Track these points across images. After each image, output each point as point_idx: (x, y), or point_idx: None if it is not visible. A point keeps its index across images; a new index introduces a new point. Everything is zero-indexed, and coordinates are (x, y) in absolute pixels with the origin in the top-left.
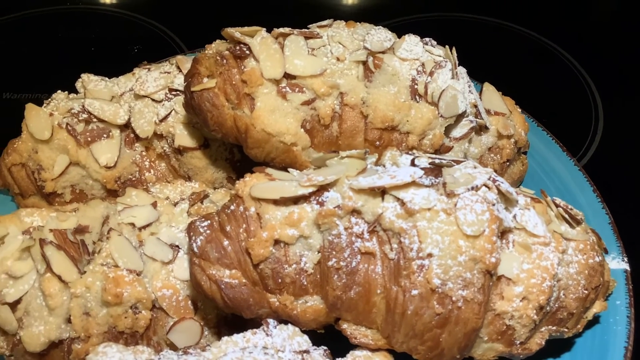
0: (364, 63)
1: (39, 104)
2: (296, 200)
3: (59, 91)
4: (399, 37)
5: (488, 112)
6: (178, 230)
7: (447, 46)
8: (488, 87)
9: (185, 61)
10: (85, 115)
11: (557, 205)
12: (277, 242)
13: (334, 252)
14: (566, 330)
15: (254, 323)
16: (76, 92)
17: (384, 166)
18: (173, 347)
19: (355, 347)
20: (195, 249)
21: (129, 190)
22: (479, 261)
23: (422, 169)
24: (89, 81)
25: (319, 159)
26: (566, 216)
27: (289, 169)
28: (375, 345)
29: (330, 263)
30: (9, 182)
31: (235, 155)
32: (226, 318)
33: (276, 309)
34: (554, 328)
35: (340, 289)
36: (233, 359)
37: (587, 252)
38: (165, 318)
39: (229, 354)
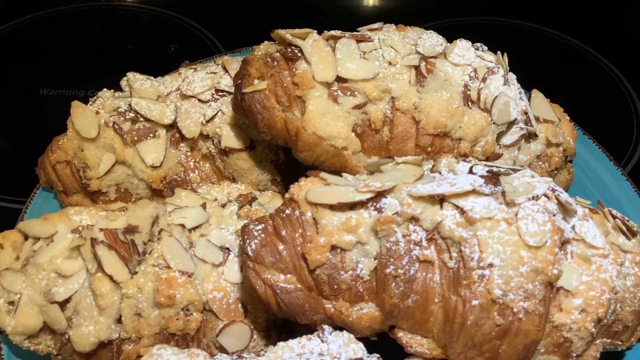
0: (416, 68)
1: (82, 100)
2: (352, 205)
3: (105, 89)
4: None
5: (537, 119)
6: (228, 233)
7: (498, 52)
8: (537, 94)
9: (232, 62)
10: (132, 114)
11: (614, 217)
12: (333, 247)
13: (391, 260)
14: (620, 343)
15: (303, 327)
16: (120, 90)
17: (440, 173)
18: (222, 350)
19: (408, 355)
20: (250, 253)
21: (178, 191)
22: (540, 272)
23: (481, 177)
24: (135, 80)
25: (374, 164)
26: (623, 228)
27: (343, 174)
28: (431, 354)
29: (387, 270)
30: (53, 179)
31: (281, 157)
32: (275, 322)
33: (331, 315)
34: (609, 341)
35: (398, 297)
36: None
37: None
38: (215, 321)
39: (286, 359)
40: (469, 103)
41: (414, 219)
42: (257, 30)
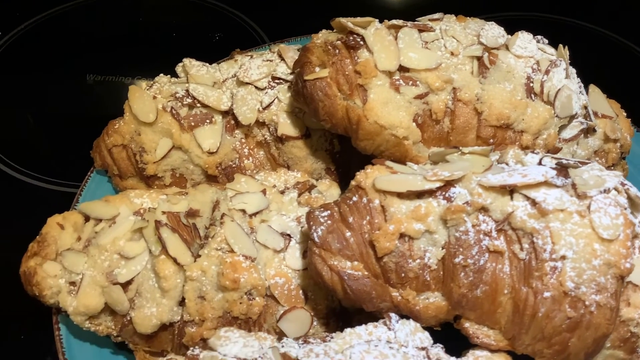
0: (479, 58)
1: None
2: (421, 194)
3: (162, 74)
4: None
5: (595, 114)
6: (289, 219)
7: (560, 45)
8: (594, 89)
9: (288, 50)
10: (189, 100)
11: None
12: (402, 235)
13: (460, 249)
14: None
15: (360, 316)
16: (176, 76)
17: (507, 164)
18: (282, 336)
19: (473, 346)
20: (316, 239)
21: (237, 177)
22: (613, 266)
23: (551, 168)
24: (191, 66)
25: (438, 154)
26: None
27: (408, 162)
28: (497, 346)
29: (457, 260)
30: (108, 162)
31: (335, 146)
32: (334, 310)
33: (398, 303)
34: None
35: (467, 287)
36: (360, 351)
37: None
38: (276, 306)
39: (355, 345)
40: (532, 95)
41: (483, 209)
42: (300, 21)
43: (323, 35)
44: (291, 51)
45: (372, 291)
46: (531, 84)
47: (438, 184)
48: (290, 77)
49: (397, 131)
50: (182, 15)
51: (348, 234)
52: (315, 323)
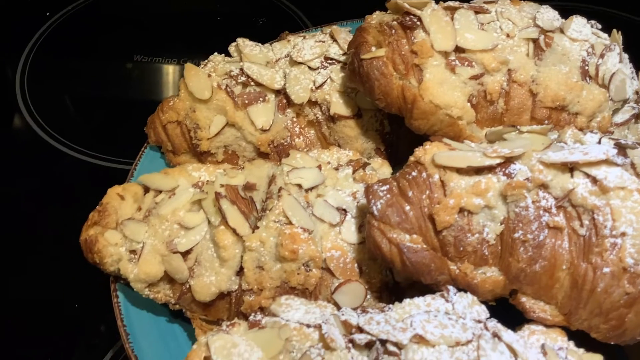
0: (534, 41)
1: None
2: (479, 170)
3: (216, 53)
4: None
5: None
6: (345, 195)
7: (614, 30)
8: None
9: (340, 32)
10: (243, 78)
11: None
12: (461, 210)
13: (520, 225)
14: None
15: (412, 292)
16: (229, 56)
17: (566, 143)
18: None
19: (528, 321)
20: (376, 212)
21: (293, 152)
22: None
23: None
24: (245, 45)
25: (495, 133)
26: None
27: (465, 140)
28: (552, 321)
29: (516, 235)
30: (162, 138)
31: (385, 127)
32: (387, 284)
33: (456, 276)
34: None
35: (525, 261)
36: (421, 320)
37: None
38: (330, 279)
39: (414, 315)
40: (587, 78)
41: (543, 186)
42: (339, 5)
43: (377, 17)
44: (343, 33)
45: (430, 264)
46: (586, 67)
47: (498, 161)
48: (342, 58)
49: (452, 111)
50: (226, 0)
51: (407, 207)
52: (369, 296)
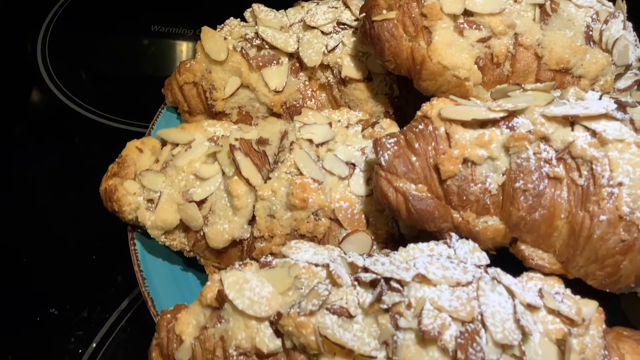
0: (541, 6)
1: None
2: (484, 123)
3: (232, 18)
4: None
5: None
6: (354, 150)
7: None
8: None
9: None
10: (258, 42)
11: None
12: (465, 161)
13: (521, 175)
14: None
15: (419, 242)
16: (245, 21)
17: (568, 101)
18: None
19: (527, 269)
20: (383, 163)
21: (305, 110)
22: None
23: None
24: (260, 11)
25: (500, 90)
26: None
27: (471, 98)
28: (550, 269)
29: (517, 185)
30: (179, 99)
31: (395, 91)
32: (393, 235)
33: (458, 224)
34: None
35: (525, 210)
36: (424, 262)
37: None
38: (338, 229)
39: (417, 257)
40: (591, 43)
41: (544, 139)
42: None
43: None
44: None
45: (434, 211)
46: (590, 32)
47: (502, 114)
48: (354, 24)
49: (459, 72)
50: None
51: (413, 158)
52: (375, 247)
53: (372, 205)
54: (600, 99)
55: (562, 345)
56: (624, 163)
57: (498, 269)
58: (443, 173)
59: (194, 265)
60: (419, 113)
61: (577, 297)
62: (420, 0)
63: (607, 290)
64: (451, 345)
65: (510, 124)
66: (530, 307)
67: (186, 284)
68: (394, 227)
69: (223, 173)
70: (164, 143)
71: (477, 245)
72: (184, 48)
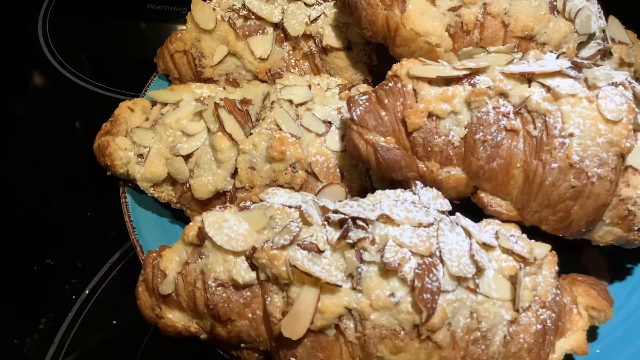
0: None
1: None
2: (449, 81)
3: None
4: None
5: (612, 40)
6: (331, 109)
7: None
8: (613, 20)
9: None
10: (244, 12)
11: None
12: (430, 115)
13: (481, 127)
14: None
15: None
16: None
17: (528, 61)
18: None
19: (486, 216)
20: (355, 118)
21: (287, 74)
22: (615, 144)
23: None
24: None
25: (466, 53)
26: None
27: (439, 60)
28: (507, 215)
29: (477, 136)
30: (170, 67)
31: (373, 60)
32: (367, 189)
33: (423, 173)
34: None
35: (484, 159)
36: (389, 204)
37: None
38: (315, 182)
39: (383, 201)
40: (555, 12)
41: (503, 94)
42: None
43: None
44: None
45: (401, 161)
46: (555, 3)
47: (464, 72)
48: None
49: (431, 38)
50: None
51: (383, 113)
52: (348, 199)
53: (347, 160)
54: (557, 59)
55: (514, 281)
56: (575, 116)
57: (458, 214)
58: (409, 126)
59: (181, 217)
60: (389, 72)
61: (532, 241)
62: None
63: (561, 235)
64: (410, 276)
65: (472, 81)
66: (486, 246)
67: (173, 234)
68: (367, 180)
69: (208, 130)
70: (154, 104)
71: (440, 192)
72: (178, 26)
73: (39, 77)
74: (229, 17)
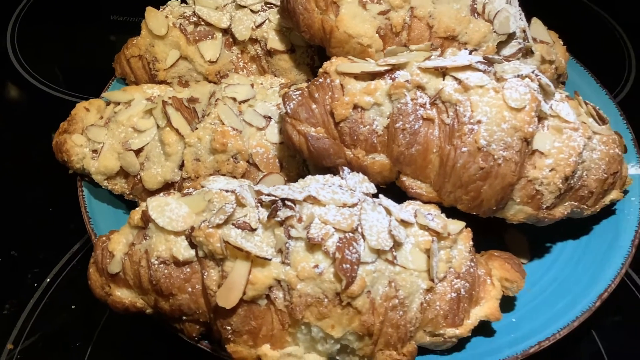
0: None
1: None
2: (373, 76)
3: (173, 0)
4: None
5: (534, 40)
6: (271, 105)
7: None
8: (536, 21)
9: None
10: (195, 19)
11: (586, 104)
12: (355, 106)
13: (401, 117)
14: (586, 207)
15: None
16: (185, 3)
17: (445, 58)
18: None
19: (408, 198)
20: (289, 111)
21: (231, 75)
22: (518, 130)
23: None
24: None
25: (391, 51)
26: (594, 114)
27: (367, 58)
28: (427, 197)
29: (397, 125)
30: (127, 71)
31: (316, 62)
32: (304, 177)
33: (350, 160)
34: (576, 204)
35: (404, 146)
36: (316, 188)
37: (609, 144)
38: (256, 172)
39: (312, 185)
40: (475, 14)
41: (420, 87)
42: None
43: None
44: None
45: (330, 149)
46: (475, 5)
47: (386, 68)
48: (279, 3)
49: (362, 40)
50: None
51: (314, 106)
52: None
53: (285, 151)
54: (470, 55)
55: (430, 254)
56: (482, 105)
57: (382, 195)
58: (336, 117)
59: (133, 208)
60: (320, 70)
61: (449, 219)
62: None
63: (474, 214)
64: (332, 249)
65: (392, 76)
66: (404, 223)
67: None
68: (305, 170)
69: (158, 126)
70: (109, 104)
71: (366, 177)
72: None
73: (11, 90)
74: (180, 24)
